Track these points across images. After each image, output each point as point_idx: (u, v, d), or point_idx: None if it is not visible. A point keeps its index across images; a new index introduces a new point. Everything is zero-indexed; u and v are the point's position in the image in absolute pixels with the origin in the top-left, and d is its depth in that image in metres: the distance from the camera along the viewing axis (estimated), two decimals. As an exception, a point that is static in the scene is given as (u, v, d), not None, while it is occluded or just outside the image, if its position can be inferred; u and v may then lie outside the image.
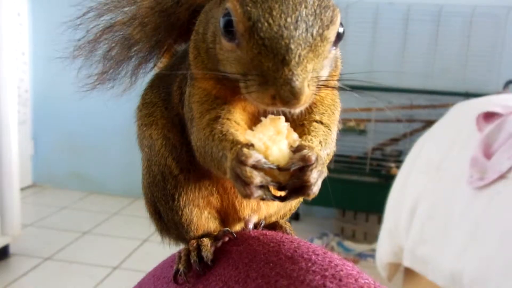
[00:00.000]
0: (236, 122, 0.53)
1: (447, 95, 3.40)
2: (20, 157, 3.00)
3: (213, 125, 0.52)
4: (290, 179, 0.45)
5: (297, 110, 0.48)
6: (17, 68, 3.97)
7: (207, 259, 0.55)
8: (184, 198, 0.60)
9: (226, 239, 0.57)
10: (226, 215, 0.63)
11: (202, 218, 0.61)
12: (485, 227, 1.49)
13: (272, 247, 0.50)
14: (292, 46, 0.44)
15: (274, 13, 0.44)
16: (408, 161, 2.27)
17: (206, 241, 0.57)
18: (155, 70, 0.73)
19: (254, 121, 0.54)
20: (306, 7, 0.45)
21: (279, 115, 0.51)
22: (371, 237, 3.34)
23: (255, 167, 0.44)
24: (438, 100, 3.44)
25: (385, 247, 2.19)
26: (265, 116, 0.51)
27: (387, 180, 3.04)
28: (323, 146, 0.52)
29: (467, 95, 3.28)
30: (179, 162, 0.61)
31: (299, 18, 0.44)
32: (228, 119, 0.53)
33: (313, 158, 0.45)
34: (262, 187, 0.45)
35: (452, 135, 2.00)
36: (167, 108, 0.64)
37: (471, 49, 3.59)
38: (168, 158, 0.61)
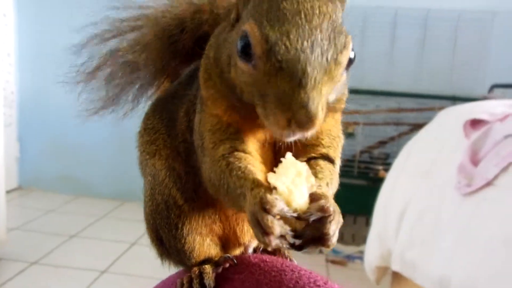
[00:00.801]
0: (250, 154, 0.53)
1: (434, 99, 3.44)
2: (5, 159, 2.95)
3: (229, 159, 0.52)
4: (307, 228, 0.45)
5: (309, 134, 0.48)
6: (3, 69, 3.91)
7: (210, 287, 0.55)
8: (188, 227, 0.61)
9: (227, 265, 0.57)
10: (227, 241, 0.64)
11: (204, 245, 0.62)
12: (473, 233, 1.52)
13: (274, 276, 0.50)
14: (309, 70, 0.44)
15: (292, 36, 0.45)
16: (396, 165, 2.29)
17: (208, 269, 0.58)
18: (157, 94, 0.73)
19: (263, 148, 0.55)
20: (321, 32, 0.46)
21: (290, 143, 0.51)
22: (359, 239, 3.37)
23: (277, 215, 0.44)
24: (425, 103, 3.48)
25: (373, 250, 2.21)
26: (274, 145, 0.52)
27: (375, 182, 3.07)
28: (330, 187, 0.53)
29: (454, 99, 3.33)
30: (183, 192, 0.61)
31: (315, 43, 0.45)
32: (243, 151, 0.53)
33: (331, 209, 0.46)
34: (280, 236, 0.44)
35: (440, 141, 2.03)
36: (170, 135, 0.64)
37: (457, 54, 3.65)
38: (173, 189, 0.61)
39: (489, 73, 3.61)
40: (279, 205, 0.44)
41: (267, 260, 0.57)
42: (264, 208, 0.44)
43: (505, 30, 3.64)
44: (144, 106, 0.72)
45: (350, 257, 3.20)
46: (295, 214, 0.45)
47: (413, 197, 1.97)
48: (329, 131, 0.57)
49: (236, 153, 0.52)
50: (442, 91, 3.51)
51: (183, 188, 0.61)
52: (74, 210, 3.89)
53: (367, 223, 3.16)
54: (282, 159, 0.50)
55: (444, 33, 3.68)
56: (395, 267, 1.95)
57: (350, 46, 0.48)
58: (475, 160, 1.68)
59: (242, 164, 0.51)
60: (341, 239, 3.51)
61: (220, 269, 0.58)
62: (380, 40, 3.72)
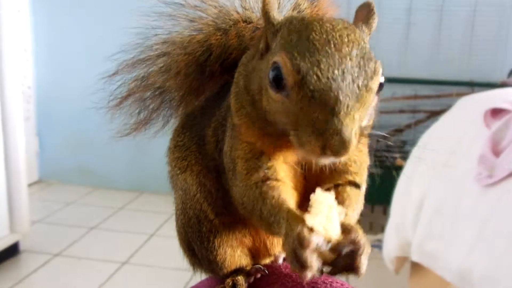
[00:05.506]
0: (282, 181, 0.55)
1: (451, 85, 3.39)
2: (26, 153, 3.00)
3: (263, 188, 0.54)
4: (339, 258, 0.47)
5: (343, 159, 0.49)
6: (20, 65, 3.94)
7: None
8: (219, 239, 0.63)
9: (258, 275, 0.59)
10: (257, 252, 0.66)
11: (235, 256, 0.64)
12: (494, 225, 1.51)
13: None
14: (341, 97, 0.45)
15: (322, 66, 0.45)
16: (414, 155, 2.27)
17: (240, 280, 0.60)
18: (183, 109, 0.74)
19: (293, 173, 0.56)
20: (351, 60, 0.46)
21: (322, 168, 0.52)
22: (376, 227, 3.37)
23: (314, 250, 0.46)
24: (442, 90, 3.43)
25: (392, 241, 2.21)
26: (304, 168, 0.54)
27: (392, 171, 3.05)
28: (356, 211, 0.56)
29: (472, 85, 3.27)
30: (214, 207, 0.63)
31: (346, 70, 0.46)
32: (276, 179, 0.54)
33: (362, 242, 0.47)
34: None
35: (459, 131, 2.00)
36: (201, 152, 0.65)
37: (475, 38, 3.56)
38: (204, 204, 0.63)
39: (508, 57, 3.53)
40: (315, 241, 0.46)
41: None
42: (302, 244, 0.45)
43: (525, 12, 3.55)
44: (173, 123, 0.73)
45: (367, 246, 3.20)
46: (329, 246, 0.47)
47: (432, 188, 1.95)
48: (357, 157, 0.58)
49: (269, 181, 0.54)
50: (460, 77, 3.45)
51: (214, 203, 0.63)
52: (93, 202, 3.96)
53: (385, 212, 3.15)
54: (312, 194, 0.51)
55: (461, 17, 3.59)
56: (415, 257, 1.95)
57: (380, 71, 0.48)
58: (496, 151, 1.66)
59: (275, 193, 0.53)
60: (358, 228, 3.52)
61: (252, 279, 0.60)
62: (396, 25, 3.65)
